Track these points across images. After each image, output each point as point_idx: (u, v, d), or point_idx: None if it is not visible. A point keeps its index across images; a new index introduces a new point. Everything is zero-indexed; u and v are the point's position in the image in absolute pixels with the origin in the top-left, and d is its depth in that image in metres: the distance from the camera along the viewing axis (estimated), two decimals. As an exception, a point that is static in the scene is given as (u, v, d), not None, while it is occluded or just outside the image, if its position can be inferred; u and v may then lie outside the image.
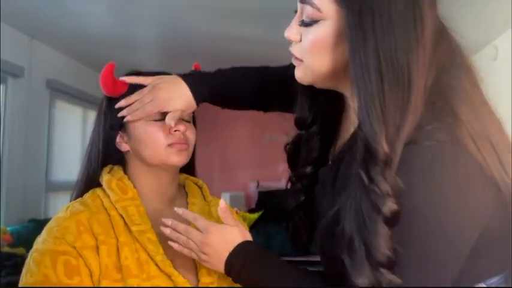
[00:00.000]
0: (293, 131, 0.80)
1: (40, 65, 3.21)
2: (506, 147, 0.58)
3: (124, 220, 0.79)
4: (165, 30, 3.10)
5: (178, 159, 0.83)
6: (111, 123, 0.86)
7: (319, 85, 0.67)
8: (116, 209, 0.80)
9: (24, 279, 0.72)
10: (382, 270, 0.53)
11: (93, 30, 3.02)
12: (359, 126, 0.57)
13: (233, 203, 5.00)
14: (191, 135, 0.86)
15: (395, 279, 0.53)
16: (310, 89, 0.71)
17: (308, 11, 0.61)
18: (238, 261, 0.71)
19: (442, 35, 0.61)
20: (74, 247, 0.73)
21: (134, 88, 0.85)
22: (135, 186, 0.84)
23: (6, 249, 2.46)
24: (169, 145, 0.82)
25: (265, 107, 0.95)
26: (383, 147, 0.53)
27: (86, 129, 3.88)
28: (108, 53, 3.35)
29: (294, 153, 0.79)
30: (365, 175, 0.54)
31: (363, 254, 0.53)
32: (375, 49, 0.54)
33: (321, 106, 0.74)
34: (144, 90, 0.83)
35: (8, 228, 2.65)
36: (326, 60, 0.62)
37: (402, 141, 0.53)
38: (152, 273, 0.76)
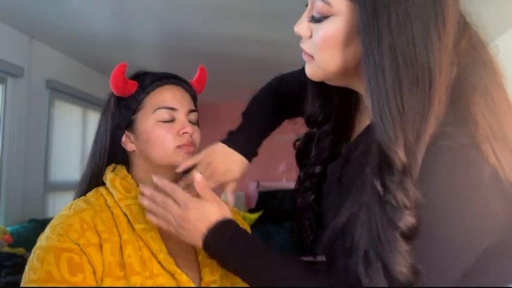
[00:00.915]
0: (303, 129, 0.78)
1: (40, 65, 3.21)
2: None
3: (127, 218, 0.80)
4: (165, 30, 3.10)
5: (185, 161, 0.84)
6: (118, 122, 0.86)
7: (330, 82, 0.65)
8: (119, 207, 0.80)
9: (28, 276, 0.72)
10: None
11: (93, 30, 3.02)
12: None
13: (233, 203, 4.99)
14: (197, 137, 0.88)
15: None
16: (321, 86, 0.68)
17: (319, 6, 0.57)
18: (216, 239, 0.68)
19: (464, 30, 0.56)
20: (78, 244, 0.73)
21: (143, 89, 0.85)
22: (138, 185, 0.85)
23: (6, 249, 2.46)
24: (178, 147, 0.84)
25: (293, 115, 0.92)
26: (399, 156, 0.49)
27: (86, 129, 3.89)
28: (108, 53, 3.36)
29: (304, 151, 0.77)
30: (380, 185, 0.50)
31: (380, 269, 0.49)
32: (391, 49, 0.50)
33: (333, 103, 0.71)
34: (199, 169, 0.83)
35: (8, 228, 2.65)
36: (337, 58, 0.59)
37: (423, 148, 0.49)
38: (155, 271, 0.76)
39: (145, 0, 2.55)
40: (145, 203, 0.75)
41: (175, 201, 0.72)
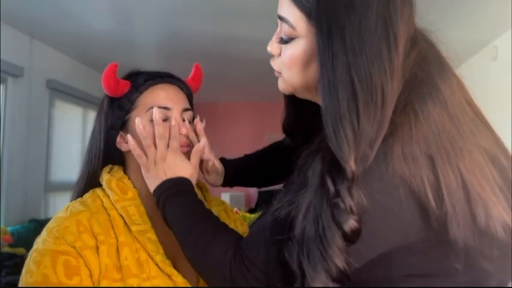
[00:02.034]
0: None
1: (40, 65, 3.21)
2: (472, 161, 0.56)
3: (124, 220, 0.79)
4: (165, 30, 3.10)
5: None
6: (112, 123, 0.85)
7: (299, 95, 0.69)
8: (115, 209, 0.80)
9: (24, 279, 0.72)
10: (334, 282, 0.53)
11: (93, 30, 3.02)
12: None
13: (233, 203, 5.00)
14: (193, 137, 0.87)
15: None
16: (294, 99, 0.73)
17: (285, 29, 0.62)
18: (162, 191, 0.75)
19: (414, 45, 0.60)
20: (74, 247, 0.72)
21: (136, 89, 0.85)
22: (135, 187, 0.84)
23: (6, 249, 2.46)
24: None
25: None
26: (351, 166, 0.52)
27: (86, 129, 3.89)
28: (108, 53, 3.36)
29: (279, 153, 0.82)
30: (332, 188, 0.53)
31: (321, 264, 0.53)
32: (346, 68, 0.54)
33: (305, 116, 0.77)
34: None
35: (8, 228, 2.65)
36: (300, 76, 0.64)
37: (371, 158, 0.53)
38: (152, 273, 0.76)
39: (145, 1, 2.55)
40: (141, 126, 0.80)
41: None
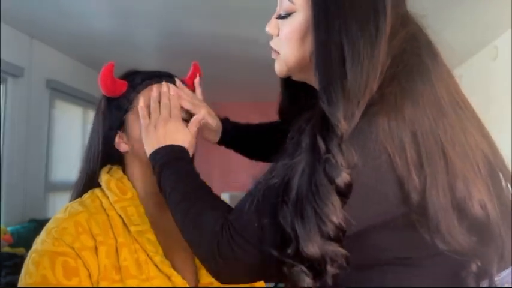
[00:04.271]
0: None
1: (40, 65, 3.21)
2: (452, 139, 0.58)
3: (123, 220, 0.79)
4: (165, 30, 3.10)
5: None
6: (110, 123, 0.85)
7: (294, 77, 0.72)
8: (114, 209, 0.80)
9: (23, 280, 0.72)
10: (330, 242, 0.53)
11: (93, 30, 3.02)
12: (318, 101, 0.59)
13: (233, 203, 4.98)
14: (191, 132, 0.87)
15: (341, 251, 0.54)
16: (290, 84, 0.76)
17: (284, 5, 0.67)
18: (160, 157, 0.76)
19: (404, 23, 0.64)
20: (73, 248, 0.72)
21: (134, 88, 0.85)
22: (134, 187, 0.84)
23: (6, 249, 2.46)
24: None
25: None
26: (342, 123, 0.55)
27: (86, 129, 3.88)
28: (108, 53, 3.35)
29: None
30: (323, 145, 0.55)
31: (314, 222, 0.54)
32: (336, 32, 0.58)
33: (299, 101, 0.78)
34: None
35: (8, 228, 2.65)
36: (297, 49, 0.66)
37: (358, 118, 0.56)
38: (151, 273, 0.76)
39: (145, 1, 2.55)
40: (156, 94, 0.83)
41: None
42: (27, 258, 0.74)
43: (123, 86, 0.84)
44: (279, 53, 0.70)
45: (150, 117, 0.82)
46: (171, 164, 0.75)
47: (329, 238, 0.54)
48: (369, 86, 0.57)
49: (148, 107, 0.83)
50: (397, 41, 0.61)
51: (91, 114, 3.97)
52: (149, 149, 0.78)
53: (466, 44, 3.01)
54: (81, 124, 3.90)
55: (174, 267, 0.78)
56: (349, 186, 0.54)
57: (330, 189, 0.54)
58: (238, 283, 0.68)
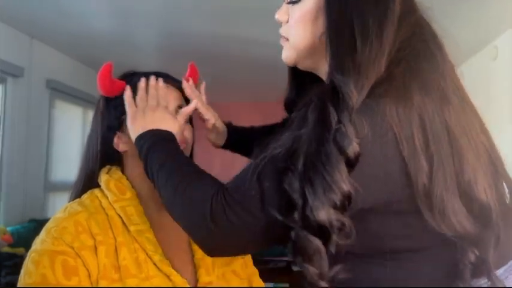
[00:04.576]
0: None
1: (40, 65, 3.21)
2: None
3: (122, 220, 0.79)
4: (165, 30, 3.10)
5: None
6: (109, 124, 0.85)
7: (302, 65, 0.74)
8: (114, 209, 0.80)
9: (23, 279, 0.72)
10: (336, 210, 0.54)
11: (93, 30, 3.01)
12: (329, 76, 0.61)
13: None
14: (189, 134, 0.87)
15: (347, 220, 0.54)
16: (297, 74, 0.78)
17: None
18: (147, 139, 0.76)
19: (413, 10, 0.67)
20: (72, 247, 0.72)
21: (132, 88, 0.85)
22: (133, 187, 0.84)
23: (6, 249, 2.46)
24: None
25: None
26: (354, 93, 0.57)
27: (86, 129, 3.88)
28: (108, 53, 3.35)
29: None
30: (335, 115, 0.56)
31: (323, 190, 0.54)
32: (349, 11, 0.61)
33: (306, 93, 0.77)
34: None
35: (8, 228, 2.65)
36: (308, 32, 0.68)
37: (368, 87, 0.58)
38: (151, 272, 0.76)
39: (145, 1, 2.55)
40: (143, 84, 0.84)
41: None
42: (27, 257, 0.74)
43: (121, 86, 0.84)
44: (288, 39, 0.72)
45: (136, 106, 0.82)
46: (157, 145, 0.74)
47: (336, 206, 0.54)
48: (377, 62, 0.59)
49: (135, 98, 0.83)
50: (405, 27, 0.63)
51: (91, 114, 3.94)
52: (135, 135, 0.78)
53: (466, 44, 3.01)
54: (81, 124, 3.90)
55: (173, 266, 0.78)
56: (358, 156, 0.54)
57: (339, 159, 0.54)
58: (226, 254, 0.67)
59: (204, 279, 0.81)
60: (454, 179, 0.58)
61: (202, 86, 0.94)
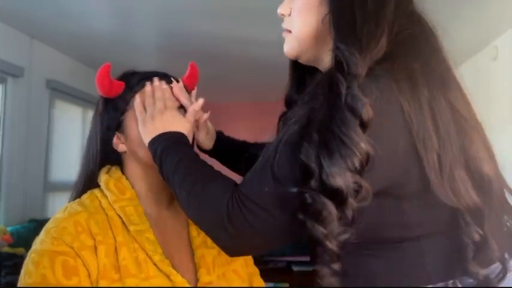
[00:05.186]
0: None
1: (40, 65, 3.21)
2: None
3: (122, 220, 0.79)
4: (165, 30, 3.10)
5: None
6: (108, 124, 0.86)
7: (304, 58, 0.74)
8: (113, 209, 0.80)
9: (23, 279, 0.72)
10: (354, 173, 0.54)
11: (93, 30, 3.01)
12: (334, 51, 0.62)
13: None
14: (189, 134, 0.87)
15: (364, 183, 0.55)
16: (297, 69, 0.80)
17: None
18: (160, 142, 0.76)
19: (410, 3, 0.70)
20: (72, 247, 0.72)
21: (131, 89, 0.85)
22: (132, 187, 0.84)
23: (6, 249, 2.46)
24: None
25: None
26: (359, 61, 0.58)
27: (86, 129, 3.86)
28: (108, 53, 3.35)
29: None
30: (344, 82, 0.57)
31: (340, 154, 0.54)
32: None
33: (306, 87, 0.79)
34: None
35: (8, 228, 2.65)
36: (311, 21, 0.70)
37: (371, 61, 0.60)
38: (151, 272, 0.76)
39: (145, 1, 2.55)
40: (149, 88, 0.84)
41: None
42: (27, 258, 0.74)
43: (120, 87, 0.85)
44: (290, 31, 0.73)
45: (146, 111, 0.82)
46: (171, 148, 0.75)
47: (355, 169, 0.54)
48: (376, 39, 0.61)
49: (144, 103, 0.83)
50: (403, 12, 0.66)
51: (91, 114, 3.93)
52: (147, 139, 0.78)
53: (466, 44, 3.01)
54: (81, 124, 3.90)
55: (173, 266, 0.78)
56: (371, 119, 0.55)
57: (355, 121, 0.55)
58: (247, 253, 0.67)
59: (204, 278, 0.81)
60: (462, 155, 0.60)
61: (193, 92, 0.93)
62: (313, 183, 0.55)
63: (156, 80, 0.86)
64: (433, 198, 0.59)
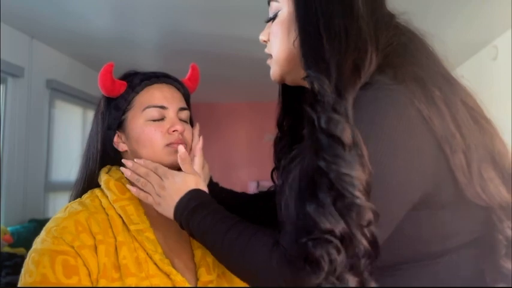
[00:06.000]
0: None
1: (40, 65, 3.21)
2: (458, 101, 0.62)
3: (122, 219, 0.79)
4: (164, 30, 3.10)
5: (175, 159, 0.82)
6: (109, 123, 0.86)
7: (288, 79, 0.75)
8: (114, 208, 0.80)
9: (23, 279, 0.72)
10: (358, 195, 0.52)
11: (93, 30, 3.02)
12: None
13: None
14: (188, 135, 0.87)
15: (370, 206, 0.53)
16: (286, 91, 0.81)
17: (272, 7, 0.72)
18: (184, 209, 0.74)
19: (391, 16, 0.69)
20: (72, 247, 0.73)
21: (132, 89, 0.85)
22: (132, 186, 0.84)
23: (6, 249, 2.46)
24: (167, 145, 0.83)
25: None
26: (327, 86, 0.57)
27: (86, 129, 3.88)
28: (108, 53, 3.35)
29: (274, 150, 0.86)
30: (315, 115, 0.56)
31: (331, 200, 0.53)
32: (314, 13, 0.63)
33: (292, 108, 0.81)
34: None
35: (8, 228, 2.65)
36: (285, 42, 0.70)
37: (355, 88, 0.58)
38: (151, 272, 0.76)
39: (145, 1, 2.55)
40: (128, 173, 0.81)
41: (156, 174, 0.80)
42: (27, 257, 0.74)
43: (122, 87, 0.85)
44: (272, 55, 0.74)
45: (145, 190, 0.80)
46: (193, 215, 0.72)
47: (354, 193, 0.53)
48: (346, 57, 0.59)
49: (141, 188, 0.81)
50: (387, 25, 0.65)
51: (91, 114, 3.94)
52: (170, 216, 0.76)
53: (466, 44, 3.01)
54: (81, 124, 3.90)
55: (173, 265, 0.78)
56: (355, 139, 0.54)
57: (339, 149, 0.54)
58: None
59: (204, 278, 0.81)
60: (485, 149, 0.59)
61: (197, 128, 0.91)
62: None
63: (129, 162, 0.82)
64: (465, 203, 0.59)
